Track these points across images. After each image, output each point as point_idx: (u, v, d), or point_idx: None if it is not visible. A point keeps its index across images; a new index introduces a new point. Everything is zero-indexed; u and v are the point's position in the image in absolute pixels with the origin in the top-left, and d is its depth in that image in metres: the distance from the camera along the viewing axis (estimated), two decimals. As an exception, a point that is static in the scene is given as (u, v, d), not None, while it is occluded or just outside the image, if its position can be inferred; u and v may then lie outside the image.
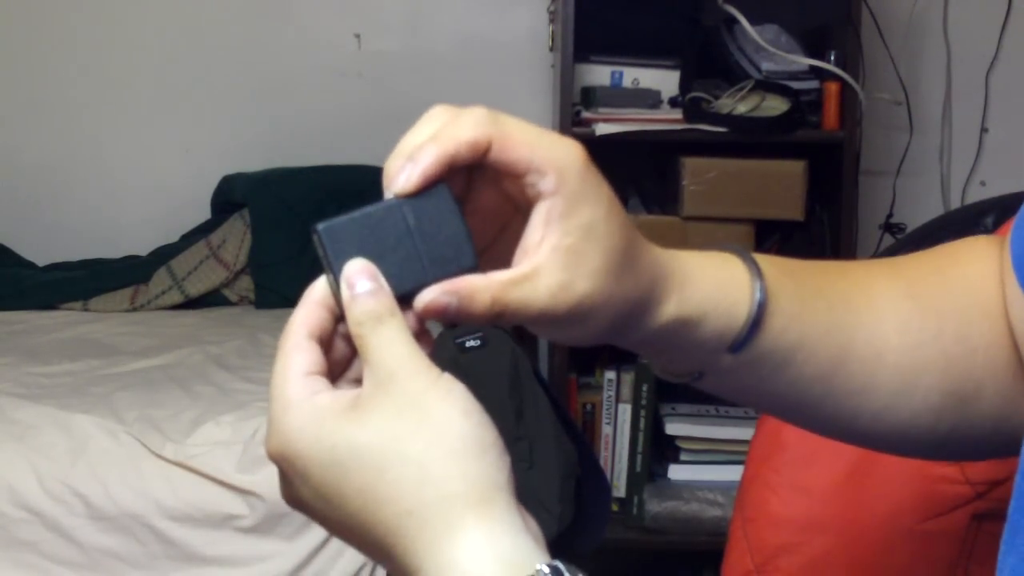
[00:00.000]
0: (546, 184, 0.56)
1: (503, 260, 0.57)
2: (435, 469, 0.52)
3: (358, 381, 0.57)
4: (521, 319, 0.56)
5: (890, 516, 1.02)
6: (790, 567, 1.07)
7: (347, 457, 0.53)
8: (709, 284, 0.62)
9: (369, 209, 0.56)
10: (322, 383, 0.55)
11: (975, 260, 0.71)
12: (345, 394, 0.55)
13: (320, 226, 0.56)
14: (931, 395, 0.67)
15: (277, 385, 0.55)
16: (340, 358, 0.58)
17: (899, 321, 0.67)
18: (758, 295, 0.63)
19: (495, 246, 0.60)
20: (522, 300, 0.56)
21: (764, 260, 0.64)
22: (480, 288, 0.55)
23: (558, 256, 0.56)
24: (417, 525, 0.52)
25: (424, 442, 0.52)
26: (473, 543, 0.51)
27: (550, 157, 0.56)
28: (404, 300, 0.56)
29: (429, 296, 0.55)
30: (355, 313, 0.55)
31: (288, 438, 0.54)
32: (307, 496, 0.55)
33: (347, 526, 0.54)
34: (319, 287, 0.57)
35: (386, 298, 0.55)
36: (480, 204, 0.59)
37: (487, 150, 0.55)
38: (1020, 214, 0.68)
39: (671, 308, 0.61)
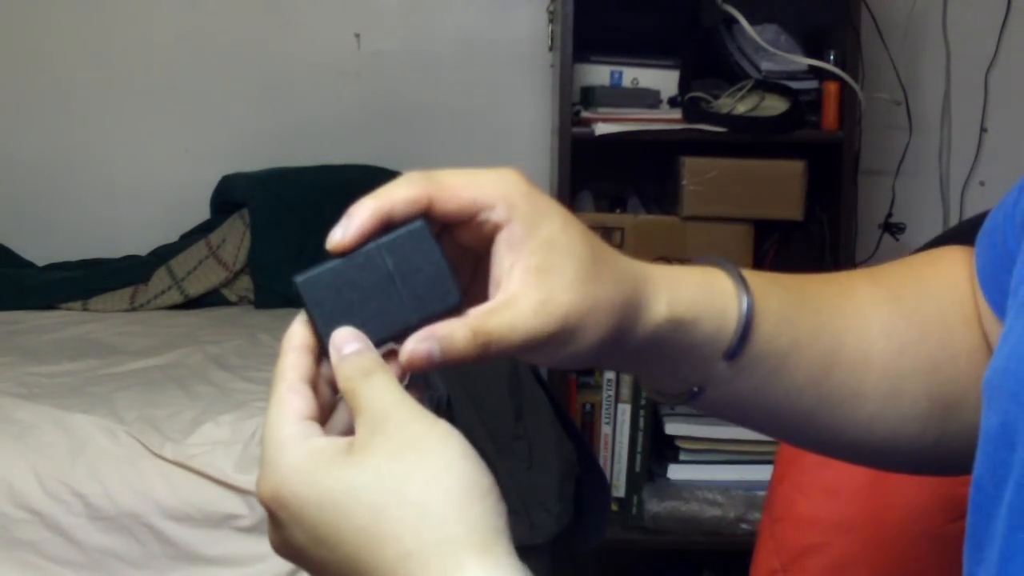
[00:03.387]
0: (497, 214, 0.57)
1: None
2: (435, 510, 0.52)
3: (343, 432, 0.57)
4: (510, 346, 0.56)
5: (915, 517, 1.02)
6: (816, 567, 1.08)
7: (345, 498, 0.52)
8: (695, 288, 0.63)
9: (347, 258, 0.56)
10: (317, 428, 0.56)
11: (952, 268, 0.71)
12: (339, 439, 0.55)
13: (299, 278, 0.56)
14: (918, 401, 0.68)
15: (272, 427, 0.55)
16: (324, 403, 0.58)
17: (884, 325, 0.68)
18: (745, 298, 0.63)
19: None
20: (506, 325, 0.56)
21: (745, 270, 0.65)
22: (457, 326, 0.56)
23: (530, 277, 0.56)
24: (417, 566, 0.51)
25: (423, 483, 0.52)
26: None
27: (492, 191, 0.57)
28: (391, 343, 0.56)
29: (409, 347, 0.56)
30: (344, 371, 0.56)
31: (283, 480, 0.54)
32: (300, 540, 0.54)
33: (343, 570, 0.53)
34: (298, 332, 0.58)
35: (373, 355, 0.56)
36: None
37: (428, 206, 0.57)
38: (984, 227, 0.69)
39: (662, 308, 0.61)
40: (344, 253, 0.57)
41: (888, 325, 0.68)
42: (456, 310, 0.57)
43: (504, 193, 0.57)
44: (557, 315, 0.56)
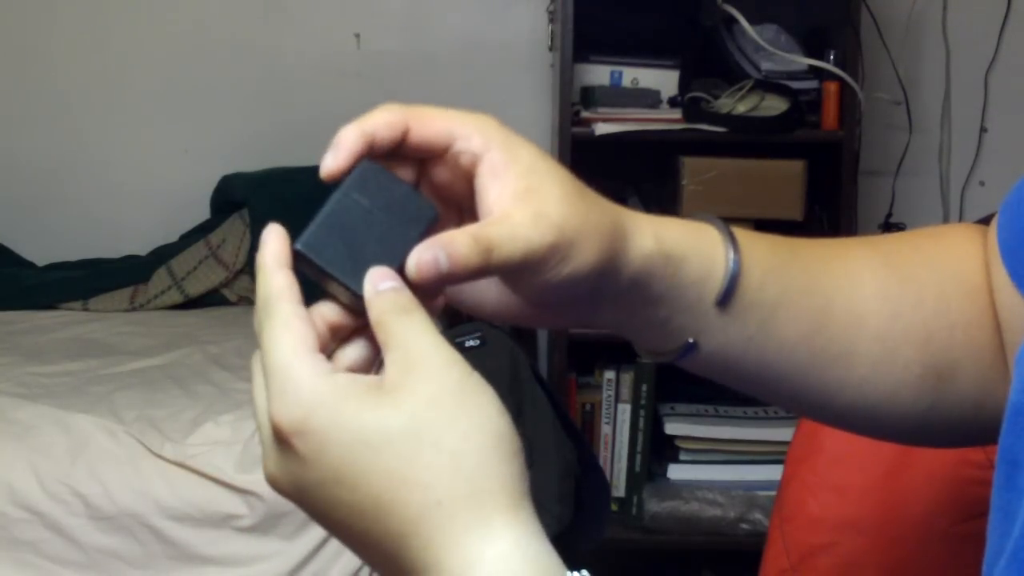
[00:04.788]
0: (475, 143, 0.58)
1: None
2: (469, 463, 0.51)
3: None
4: (511, 256, 0.55)
5: (925, 518, 1.02)
6: (825, 566, 1.08)
7: (377, 437, 0.51)
8: (681, 229, 0.63)
9: (326, 210, 0.57)
10: (330, 364, 0.54)
11: (956, 241, 0.71)
12: (364, 377, 0.53)
13: (298, 246, 0.55)
14: (911, 367, 0.67)
15: (284, 355, 0.53)
16: None
17: (878, 288, 0.68)
18: (732, 244, 0.64)
19: None
20: (506, 233, 0.55)
21: (732, 226, 0.66)
22: (457, 232, 0.55)
23: (520, 196, 0.57)
24: (445, 516, 0.50)
25: (460, 435, 0.51)
26: (502, 544, 0.51)
27: (467, 120, 0.58)
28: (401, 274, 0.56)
29: (414, 257, 0.54)
30: (380, 304, 0.54)
31: (308, 412, 0.51)
32: (314, 477, 0.52)
33: (357, 512, 0.52)
34: (276, 252, 0.56)
35: (410, 295, 0.55)
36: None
37: (405, 132, 0.57)
38: (1007, 200, 0.69)
39: (649, 241, 0.61)
40: (337, 180, 0.57)
41: (882, 289, 0.68)
42: (437, 221, 0.57)
43: (478, 125, 0.58)
44: (554, 225, 0.56)
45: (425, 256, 0.54)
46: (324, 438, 0.51)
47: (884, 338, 0.67)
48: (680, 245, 0.62)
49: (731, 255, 0.63)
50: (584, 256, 0.58)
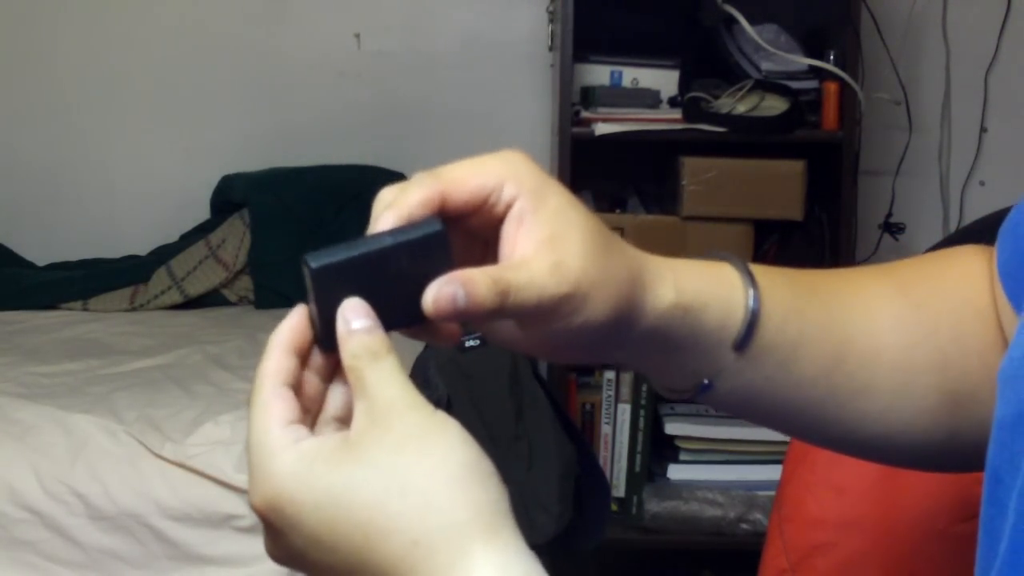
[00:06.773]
0: (508, 191, 0.58)
1: None
2: (440, 497, 0.51)
3: (338, 420, 0.57)
4: (527, 301, 0.56)
5: (924, 517, 1.02)
6: (824, 566, 1.08)
7: (345, 495, 0.52)
8: (701, 277, 0.63)
9: (364, 248, 0.56)
10: (303, 431, 0.55)
11: (967, 265, 0.71)
12: (331, 437, 0.55)
13: (313, 264, 0.55)
14: (929, 394, 0.67)
15: (258, 435, 0.55)
16: (313, 394, 0.58)
17: (894, 319, 0.68)
18: (752, 287, 0.64)
19: None
20: (523, 278, 0.56)
21: (751, 264, 0.66)
22: (476, 272, 0.56)
23: (543, 244, 0.57)
24: (424, 555, 0.51)
25: (424, 473, 0.52)
26: (484, 571, 0.51)
27: (497, 172, 0.58)
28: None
29: (433, 291, 0.55)
30: (351, 347, 0.55)
31: (276, 486, 0.53)
32: (299, 546, 0.54)
33: (346, 569, 0.53)
34: (284, 332, 0.57)
35: (382, 336, 0.55)
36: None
37: (442, 203, 0.57)
38: (1006, 223, 0.69)
39: (669, 293, 0.61)
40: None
41: (898, 320, 0.68)
42: None
43: (510, 172, 0.58)
44: (570, 278, 0.57)
45: (445, 291, 0.55)
46: (298, 507, 0.53)
47: (902, 369, 0.67)
48: (701, 295, 0.62)
49: (751, 301, 0.63)
50: (598, 308, 0.58)
